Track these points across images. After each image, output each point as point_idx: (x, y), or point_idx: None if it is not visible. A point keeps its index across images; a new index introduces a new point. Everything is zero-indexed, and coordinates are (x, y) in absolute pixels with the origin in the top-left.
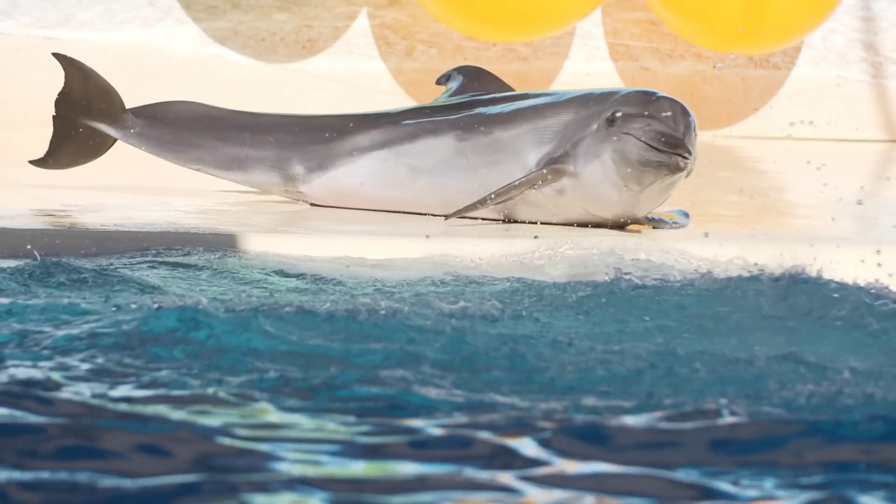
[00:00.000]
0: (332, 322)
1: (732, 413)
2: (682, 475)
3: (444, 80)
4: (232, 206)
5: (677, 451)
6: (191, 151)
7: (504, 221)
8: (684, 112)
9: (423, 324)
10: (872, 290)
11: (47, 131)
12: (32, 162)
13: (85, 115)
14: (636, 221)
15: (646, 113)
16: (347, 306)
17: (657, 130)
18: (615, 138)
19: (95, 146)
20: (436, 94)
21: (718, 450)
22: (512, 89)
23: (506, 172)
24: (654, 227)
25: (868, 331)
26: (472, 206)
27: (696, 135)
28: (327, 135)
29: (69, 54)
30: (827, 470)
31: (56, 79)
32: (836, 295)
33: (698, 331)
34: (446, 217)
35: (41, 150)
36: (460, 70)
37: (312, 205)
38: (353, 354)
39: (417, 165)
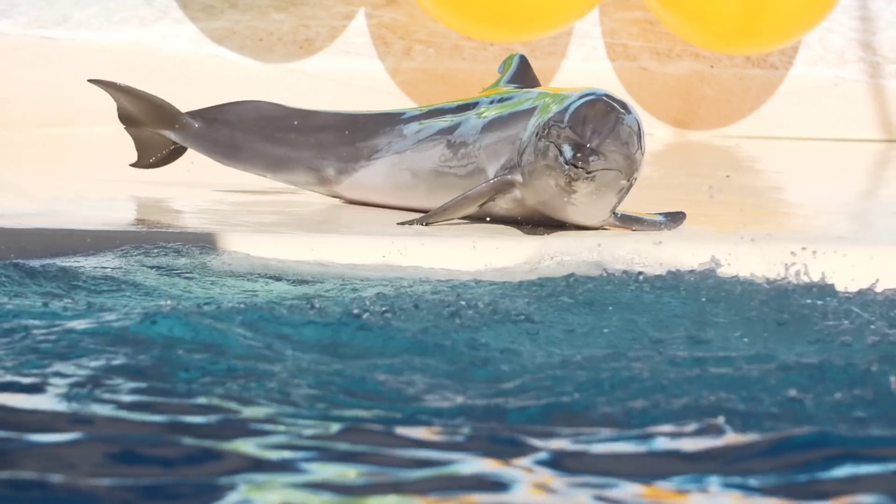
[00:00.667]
0: (325, 324)
1: (723, 420)
2: (680, 482)
3: (507, 64)
4: (229, 206)
5: (673, 460)
6: (241, 153)
7: (486, 221)
8: (605, 117)
9: (410, 326)
10: (872, 293)
11: (46, 131)
12: (131, 164)
13: (145, 125)
14: (603, 224)
15: (567, 121)
16: (338, 308)
17: (569, 138)
18: (543, 146)
19: (170, 148)
20: (433, 94)
21: (712, 458)
22: (538, 84)
23: (476, 182)
24: (633, 230)
25: (867, 335)
26: (421, 220)
27: (621, 141)
28: (352, 136)
29: (67, 54)
30: (820, 474)
31: (53, 78)
32: (832, 296)
33: (691, 334)
34: (398, 223)
35: (39, 149)
36: (521, 59)
37: (349, 201)
38: (344, 356)
39: (417, 171)
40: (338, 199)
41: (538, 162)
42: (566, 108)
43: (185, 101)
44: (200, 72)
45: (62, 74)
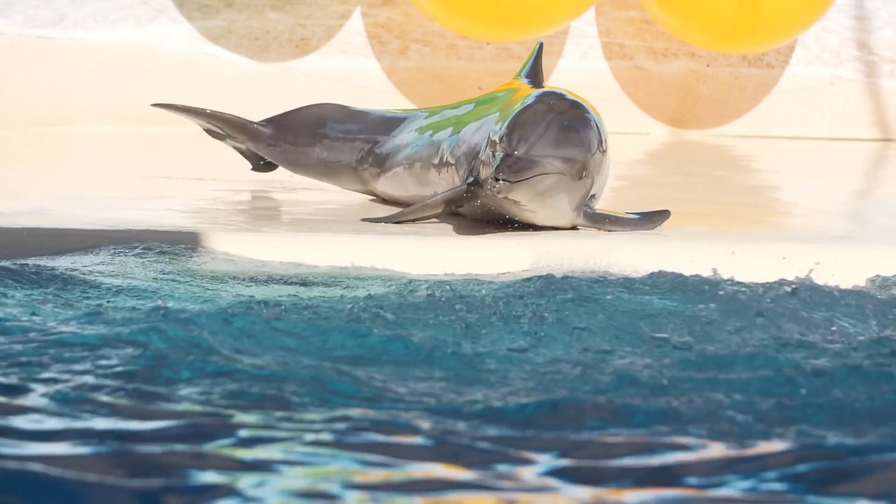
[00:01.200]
0: (318, 325)
1: (719, 424)
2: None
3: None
4: (225, 205)
5: (670, 461)
6: (302, 159)
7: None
8: (536, 124)
9: (401, 327)
10: (869, 292)
11: (41, 130)
12: (251, 169)
13: (227, 137)
14: (573, 224)
15: (501, 130)
16: (332, 309)
17: (502, 149)
18: (487, 157)
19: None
20: (429, 93)
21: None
22: (540, 79)
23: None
24: (607, 229)
25: (863, 335)
26: (387, 219)
27: (556, 145)
28: (381, 138)
29: (63, 53)
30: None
31: (49, 77)
32: (829, 295)
33: (688, 335)
34: (363, 219)
35: (35, 148)
36: (538, 49)
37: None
38: (337, 358)
39: (420, 176)
40: (343, 200)
41: (485, 172)
42: (506, 117)
43: (181, 100)
44: (196, 71)
45: (58, 74)
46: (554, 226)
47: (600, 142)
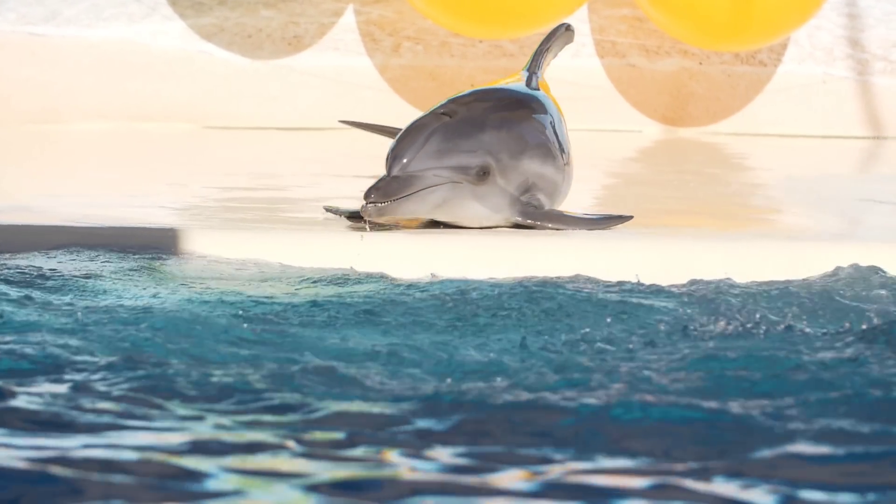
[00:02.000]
0: (307, 324)
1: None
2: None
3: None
4: (215, 203)
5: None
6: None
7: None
8: (414, 138)
9: (389, 328)
10: (864, 289)
11: (32, 128)
12: None
13: None
14: (509, 222)
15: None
16: (321, 308)
17: (386, 170)
18: None
19: None
20: (421, 91)
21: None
22: (535, 69)
23: None
24: (553, 227)
25: (858, 334)
26: (342, 213)
27: (437, 155)
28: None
29: (56, 51)
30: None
31: (42, 75)
32: (824, 294)
33: (681, 336)
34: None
35: (26, 146)
36: (548, 35)
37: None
38: (327, 358)
39: None
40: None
41: None
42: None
43: (175, 98)
44: (189, 68)
45: (51, 71)
46: (487, 226)
47: (520, 141)
